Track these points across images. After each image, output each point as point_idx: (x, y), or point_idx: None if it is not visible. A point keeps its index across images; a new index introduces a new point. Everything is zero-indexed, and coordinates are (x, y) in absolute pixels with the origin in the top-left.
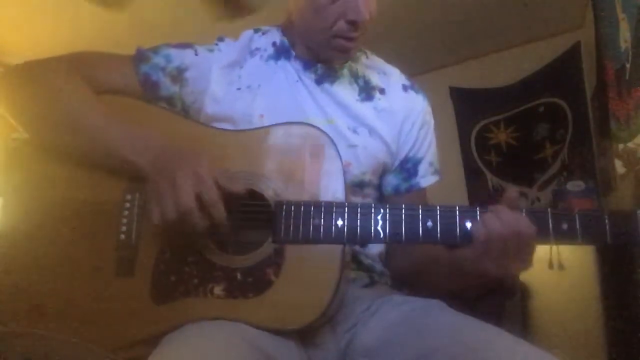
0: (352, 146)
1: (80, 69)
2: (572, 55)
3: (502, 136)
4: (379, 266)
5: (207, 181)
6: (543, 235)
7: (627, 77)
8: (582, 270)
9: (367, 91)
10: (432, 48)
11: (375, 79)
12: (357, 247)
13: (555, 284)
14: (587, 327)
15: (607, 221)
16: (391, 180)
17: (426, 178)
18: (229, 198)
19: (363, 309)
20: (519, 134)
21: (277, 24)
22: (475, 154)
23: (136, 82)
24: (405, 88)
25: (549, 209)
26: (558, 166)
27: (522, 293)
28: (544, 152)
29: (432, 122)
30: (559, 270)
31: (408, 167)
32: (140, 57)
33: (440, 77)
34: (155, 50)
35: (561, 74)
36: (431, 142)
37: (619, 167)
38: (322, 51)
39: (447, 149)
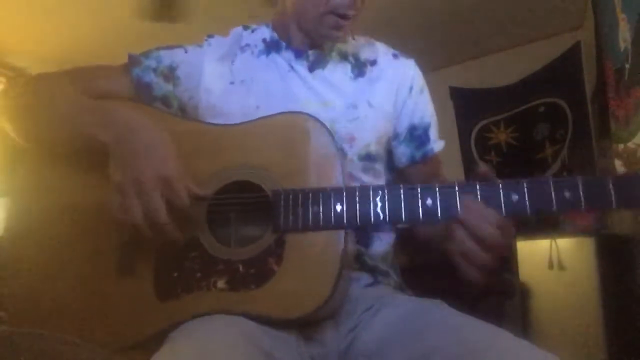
0: (353, 120)
1: (76, 80)
2: (572, 55)
3: (502, 136)
4: (382, 266)
5: (176, 188)
6: (546, 205)
7: (626, 77)
8: (581, 270)
9: (359, 67)
10: (432, 48)
11: (365, 54)
12: (360, 248)
13: (555, 284)
14: (587, 326)
15: (611, 186)
16: (404, 151)
17: (438, 143)
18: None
19: (365, 308)
20: (519, 134)
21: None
22: (475, 154)
23: (131, 87)
24: (395, 56)
25: (550, 178)
26: (558, 166)
27: (522, 293)
28: (544, 152)
29: (426, 86)
30: (559, 270)
31: (419, 134)
32: (132, 61)
33: (440, 77)
34: (145, 54)
35: (561, 74)
36: (432, 106)
37: (619, 167)
38: (317, 31)
39: (447, 148)
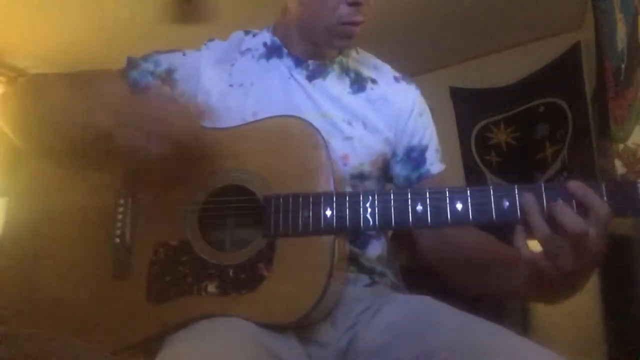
0: (348, 138)
1: (75, 84)
2: (572, 55)
3: (502, 136)
4: (379, 267)
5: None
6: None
7: (622, 78)
8: None
9: (358, 83)
10: (432, 48)
11: (366, 72)
12: (357, 250)
13: None
14: (587, 326)
15: (604, 192)
16: (400, 172)
17: (436, 165)
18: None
19: (363, 308)
20: (519, 134)
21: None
22: (475, 154)
23: (128, 90)
24: (396, 79)
25: (542, 183)
26: (558, 166)
27: None
28: (544, 152)
29: (429, 110)
30: None
31: (415, 156)
32: (130, 65)
33: (440, 77)
34: (144, 57)
35: (561, 74)
36: (433, 130)
37: (619, 167)
38: (327, 43)
39: (447, 149)
